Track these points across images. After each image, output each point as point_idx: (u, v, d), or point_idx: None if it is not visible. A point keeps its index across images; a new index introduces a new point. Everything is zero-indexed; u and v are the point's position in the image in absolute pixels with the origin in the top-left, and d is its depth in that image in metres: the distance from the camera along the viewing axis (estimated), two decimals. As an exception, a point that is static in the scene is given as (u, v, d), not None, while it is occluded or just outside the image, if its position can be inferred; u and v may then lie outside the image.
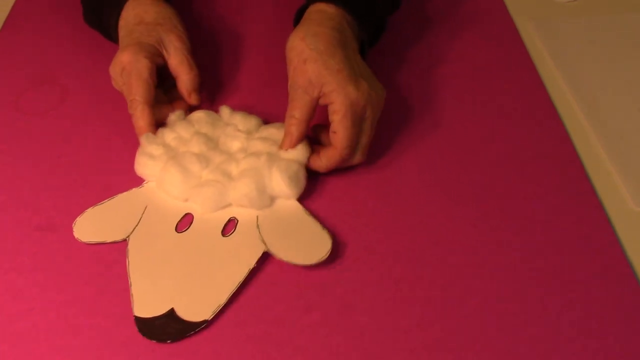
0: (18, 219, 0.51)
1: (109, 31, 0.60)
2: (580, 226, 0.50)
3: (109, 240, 0.49)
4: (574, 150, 0.56)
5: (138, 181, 0.53)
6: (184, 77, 0.56)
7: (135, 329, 0.43)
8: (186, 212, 0.51)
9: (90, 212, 0.51)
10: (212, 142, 0.54)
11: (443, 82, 0.63)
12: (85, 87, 0.63)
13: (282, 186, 0.50)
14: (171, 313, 0.44)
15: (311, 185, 0.52)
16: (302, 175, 0.51)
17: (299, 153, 0.52)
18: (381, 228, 0.50)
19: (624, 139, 0.57)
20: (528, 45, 0.68)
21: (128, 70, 0.54)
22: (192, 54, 0.57)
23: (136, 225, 0.49)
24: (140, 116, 0.53)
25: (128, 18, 0.58)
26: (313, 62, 0.49)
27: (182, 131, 0.54)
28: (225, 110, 0.57)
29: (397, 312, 0.45)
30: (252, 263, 0.47)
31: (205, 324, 0.44)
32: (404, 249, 0.48)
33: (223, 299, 0.45)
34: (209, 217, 0.50)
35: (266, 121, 0.56)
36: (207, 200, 0.50)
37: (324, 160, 0.51)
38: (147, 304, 0.45)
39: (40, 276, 0.47)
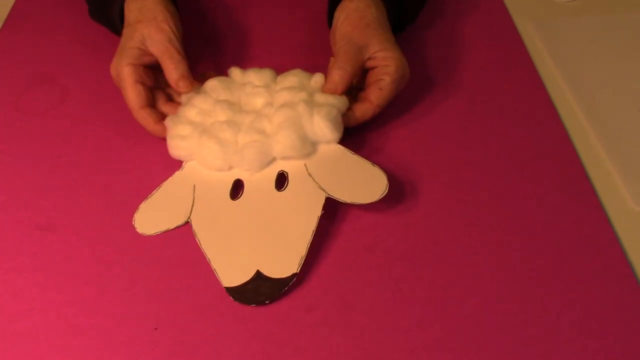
0: (18, 219, 0.51)
1: (117, 29, 0.60)
2: (580, 226, 0.50)
3: (172, 227, 0.49)
4: (574, 150, 0.56)
5: (138, 181, 0.53)
6: (167, 67, 0.55)
7: (135, 328, 0.43)
8: (234, 179, 0.51)
9: (143, 206, 0.51)
10: (236, 106, 0.54)
11: (443, 82, 0.63)
12: (85, 87, 0.63)
13: (325, 131, 0.51)
14: (259, 275, 0.45)
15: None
16: (340, 119, 0.53)
17: (338, 100, 0.53)
18: (381, 228, 0.50)
19: (624, 139, 0.57)
20: (528, 45, 0.68)
21: (117, 81, 0.55)
22: (174, 42, 0.55)
23: (192, 206, 0.50)
24: (144, 122, 0.54)
25: (125, 18, 0.58)
26: (375, 29, 0.55)
27: (201, 104, 0.54)
28: (235, 71, 0.57)
29: (397, 312, 0.45)
30: (318, 211, 0.48)
31: (295, 277, 0.45)
32: (404, 248, 0.48)
33: (303, 250, 0.46)
34: (257, 177, 0.51)
35: (278, 72, 0.57)
36: (251, 161, 0.50)
37: (358, 114, 0.55)
38: (232, 273, 0.46)
39: (40, 276, 0.47)
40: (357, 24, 0.55)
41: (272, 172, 0.51)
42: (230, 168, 0.52)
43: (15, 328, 0.44)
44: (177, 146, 0.52)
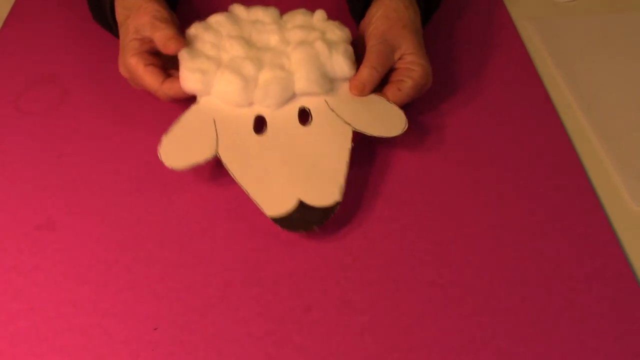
0: (18, 219, 0.51)
1: (115, 32, 0.60)
2: (580, 226, 0.50)
3: (201, 160, 0.49)
4: (574, 150, 0.56)
5: (138, 181, 0.53)
6: (156, 37, 0.54)
7: (135, 328, 0.44)
8: (255, 115, 0.52)
9: (165, 140, 0.50)
10: (250, 42, 0.54)
11: (442, 82, 0.63)
12: (86, 87, 0.63)
13: (344, 68, 0.53)
14: (302, 204, 0.47)
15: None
16: (354, 56, 0.54)
17: (345, 35, 0.55)
18: (381, 228, 0.50)
19: (624, 139, 0.57)
20: (528, 45, 0.68)
21: (130, 76, 0.56)
22: (158, 17, 0.54)
23: (217, 140, 0.50)
24: (173, 92, 0.54)
25: (117, 21, 0.58)
26: (411, 33, 0.56)
27: (211, 39, 0.54)
28: (239, 8, 0.57)
29: (397, 312, 0.45)
30: (348, 144, 0.50)
31: (339, 205, 0.47)
32: (403, 248, 0.49)
33: (341, 179, 0.48)
34: (279, 113, 0.52)
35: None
36: (275, 97, 0.51)
37: None
38: (275, 204, 0.47)
39: (40, 276, 0.47)
40: (395, 24, 0.55)
41: (293, 108, 0.52)
42: (250, 104, 0.52)
43: (15, 328, 0.44)
44: (195, 79, 0.52)
